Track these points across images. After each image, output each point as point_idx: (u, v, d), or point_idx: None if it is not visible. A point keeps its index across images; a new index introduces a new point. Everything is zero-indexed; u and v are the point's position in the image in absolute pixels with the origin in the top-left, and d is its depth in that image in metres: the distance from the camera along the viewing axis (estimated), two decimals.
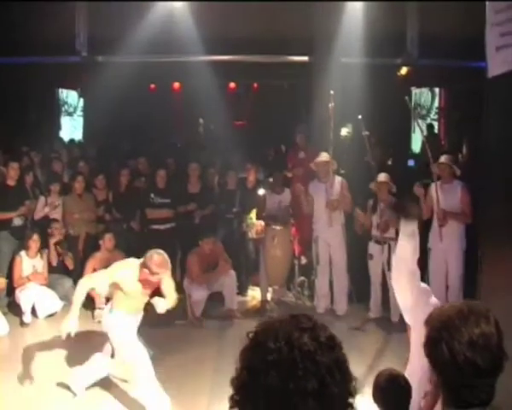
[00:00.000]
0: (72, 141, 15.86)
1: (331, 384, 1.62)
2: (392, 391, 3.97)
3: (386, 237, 8.38)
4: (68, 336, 5.87)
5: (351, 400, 1.69)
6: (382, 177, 8.48)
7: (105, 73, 12.23)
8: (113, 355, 6.42)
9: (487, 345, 1.93)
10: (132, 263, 6.09)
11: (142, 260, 5.93)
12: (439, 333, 1.96)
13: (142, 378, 5.86)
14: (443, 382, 1.98)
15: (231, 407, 1.71)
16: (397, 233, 8.39)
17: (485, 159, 6.02)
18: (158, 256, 5.84)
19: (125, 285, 5.94)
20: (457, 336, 1.92)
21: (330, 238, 8.89)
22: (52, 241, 9.33)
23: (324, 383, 1.61)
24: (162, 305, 6.01)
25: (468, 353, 1.90)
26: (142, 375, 5.86)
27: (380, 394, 4.01)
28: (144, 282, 5.96)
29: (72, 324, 5.82)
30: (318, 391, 1.60)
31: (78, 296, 5.94)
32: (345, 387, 1.66)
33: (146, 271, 5.82)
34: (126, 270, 6.01)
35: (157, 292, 6.21)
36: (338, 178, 8.95)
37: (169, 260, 5.99)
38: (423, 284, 4.83)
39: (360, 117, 8.10)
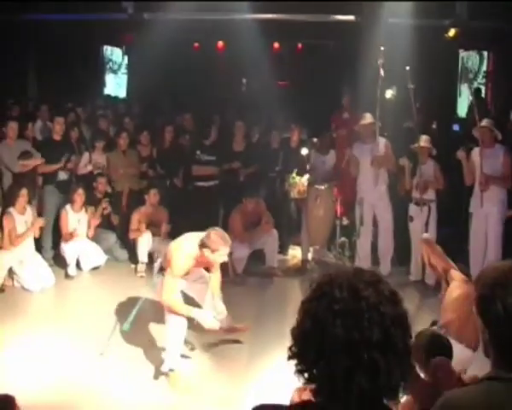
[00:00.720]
0: (116, 98, 15.98)
1: (394, 337, 1.63)
2: (434, 351, 3.94)
3: (426, 198, 8.35)
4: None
5: (410, 355, 1.70)
6: (424, 140, 8.38)
7: (150, 31, 12.25)
8: None
9: None
10: (189, 247, 5.90)
11: (198, 240, 5.81)
12: (493, 290, 1.92)
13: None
14: (495, 341, 1.94)
15: (290, 357, 1.72)
16: (437, 195, 8.42)
17: None
18: (216, 233, 5.77)
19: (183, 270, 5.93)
20: None
21: (376, 200, 8.83)
22: (97, 195, 9.48)
23: (388, 334, 1.62)
24: (209, 322, 5.84)
25: None
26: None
27: (422, 353, 3.98)
28: (200, 261, 5.95)
29: (206, 317, 5.83)
30: (382, 343, 1.61)
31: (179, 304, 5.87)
32: (406, 342, 1.67)
33: (206, 250, 5.76)
34: (186, 259, 5.86)
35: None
36: (382, 140, 8.85)
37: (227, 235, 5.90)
38: None
39: (408, 68, 7.93)
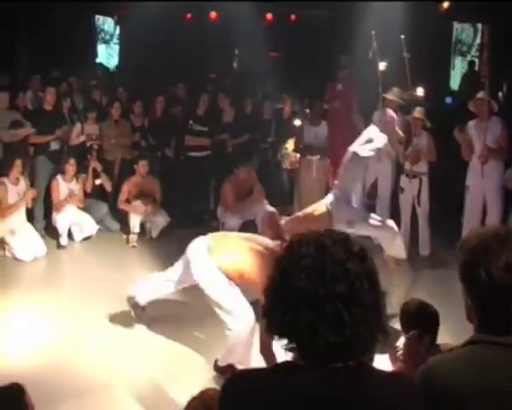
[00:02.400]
0: (108, 68, 15.84)
1: (360, 291, 1.66)
2: (422, 318, 3.95)
3: (417, 170, 8.35)
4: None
5: (381, 310, 1.73)
6: (418, 112, 8.35)
7: (142, 1, 12.13)
8: None
9: None
10: None
11: None
12: (475, 257, 1.93)
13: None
14: (477, 306, 1.95)
15: (263, 316, 1.76)
16: (429, 167, 8.41)
17: None
18: None
19: None
20: (495, 259, 1.88)
21: (379, 169, 8.88)
22: (90, 164, 9.45)
23: (353, 289, 1.65)
24: None
25: (505, 276, 1.87)
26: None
27: (409, 320, 3.99)
28: None
29: None
30: (347, 296, 1.64)
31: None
32: (374, 296, 1.70)
33: None
34: None
35: None
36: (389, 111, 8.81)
37: None
38: None
39: (402, 37, 7.85)
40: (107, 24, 17.66)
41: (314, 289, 1.64)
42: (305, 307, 1.65)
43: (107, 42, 17.75)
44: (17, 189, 8.49)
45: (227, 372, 5.37)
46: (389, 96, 8.38)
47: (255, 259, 5.24)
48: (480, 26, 16.43)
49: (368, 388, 1.70)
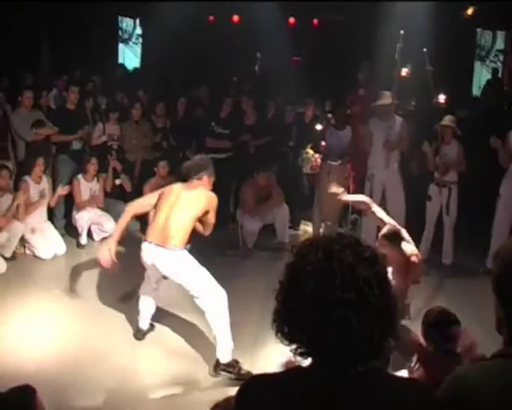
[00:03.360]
0: (130, 69, 15.91)
1: (369, 296, 1.65)
2: (443, 327, 3.94)
3: (447, 180, 8.31)
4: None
5: (392, 315, 1.72)
6: (448, 120, 8.30)
7: (165, 2, 12.16)
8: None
9: None
10: None
11: None
12: (509, 269, 1.89)
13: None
14: (509, 320, 1.91)
15: (274, 321, 1.77)
16: (458, 176, 8.36)
17: None
18: None
19: None
20: None
21: (386, 177, 8.76)
22: (111, 164, 9.49)
23: (362, 294, 1.64)
24: None
25: None
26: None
27: (430, 328, 3.99)
28: None
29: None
30: (355, 302, 1.63)
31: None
32: (384, 301, 1.69)
33: None
34: None
35: None
36: (399, 119, 8.79)
37: None
38: None
39: (425, 50, 7.85)
40: (129, 25, 17.76)
41: (323, 295, 1.64)
42: (314, 312, 1.65)
43: (128, 42, 17.84)
44: (39, 187, 8.55)
45: (232, 367, 5.39)
46: (382, 101, 8.42)
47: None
48: (498, 32, 16.30)
49: (380, 393, 1.70)
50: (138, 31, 17.54)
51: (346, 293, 1.63)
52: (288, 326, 1.72)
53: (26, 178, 8.48)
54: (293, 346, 1.73)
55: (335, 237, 1.76)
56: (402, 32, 8.02)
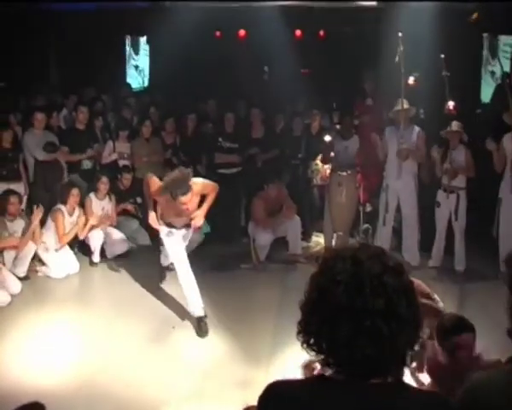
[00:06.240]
0: (137, 87, 16.01)
1: (397, 306, 1.65)
2: (457, 332, 3.94)
3: (455, 185, 8.26)
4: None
5: (418, 325, 1.73)
6: (455, 125, 8.28)
7: (172, 19, 12.24)
8: None
9: None
10: None
11: None
12: None
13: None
14: None
15: (299, 332, 1.77)
16: (467, 182, 8.33)
17: None
18: None
19: None
20: None
21: (400, 188, 8.70)
22: (121, 187, 9.54)
23: (391, 303, 1.65)
24: None
25: None
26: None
27: (446, 334, 3.98)
28: None
29: None
30: (385, 311, 1.64)
31: None
32: (412, 311, 1.69)
33: None
34: None
35: None
36: (416, 129, 8.72)
37: None
38: None
39: (443, 56, 7.83)
40: (136, 43, 17.85)
41: (352, 304, 1.64)
42: (343, 321, 1.65)
43: (135, 60, 17.93)
44: (71, 219, 8.62)
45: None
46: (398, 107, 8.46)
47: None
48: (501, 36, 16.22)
49: (403, 407, 1.69)
50: (146, 48, 17.63)
51: (376, 301, 1.64)
52: (315, 337, 1.72)
53: (61, 206, 8.54)
54: (320, 356, 1.73)
55: (361, 247, 1.78)
56: (400, 34, 8.03)
